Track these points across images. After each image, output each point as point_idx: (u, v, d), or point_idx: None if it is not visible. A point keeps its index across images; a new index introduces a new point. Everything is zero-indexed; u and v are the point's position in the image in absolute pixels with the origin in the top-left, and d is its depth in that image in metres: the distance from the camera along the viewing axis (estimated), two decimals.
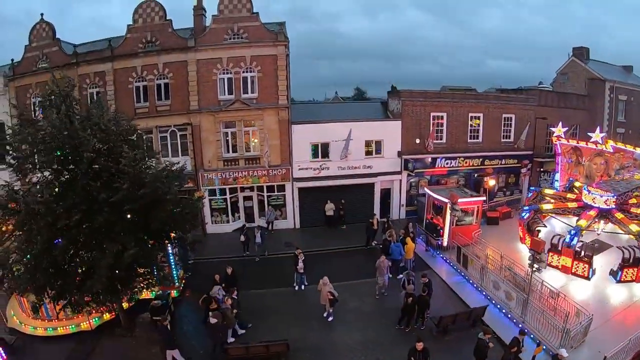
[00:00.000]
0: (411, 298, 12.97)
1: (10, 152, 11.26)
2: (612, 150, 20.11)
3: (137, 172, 11.03)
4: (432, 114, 22.14)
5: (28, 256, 10.33)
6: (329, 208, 21.44)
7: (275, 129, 20.76)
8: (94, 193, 10.54)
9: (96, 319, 13.34)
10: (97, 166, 10.81)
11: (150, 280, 12.37)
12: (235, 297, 13.10)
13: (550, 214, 18.41)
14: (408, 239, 17.00)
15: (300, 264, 15.69)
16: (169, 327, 11.41)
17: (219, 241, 20.35)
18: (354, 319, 13.76)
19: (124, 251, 10.40)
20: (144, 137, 14.63)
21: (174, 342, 11.23)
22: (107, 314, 13.24)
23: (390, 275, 16.28)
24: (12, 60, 22.87)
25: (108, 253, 10.21)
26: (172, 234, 13.01)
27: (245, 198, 22.06)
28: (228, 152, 21.17)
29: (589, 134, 21.07)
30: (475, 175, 23.64)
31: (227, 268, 14.69)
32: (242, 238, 18.43)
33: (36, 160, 11.16)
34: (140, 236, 11.78)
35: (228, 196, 21.57)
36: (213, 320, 11.56)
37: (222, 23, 20.31)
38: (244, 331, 12.84)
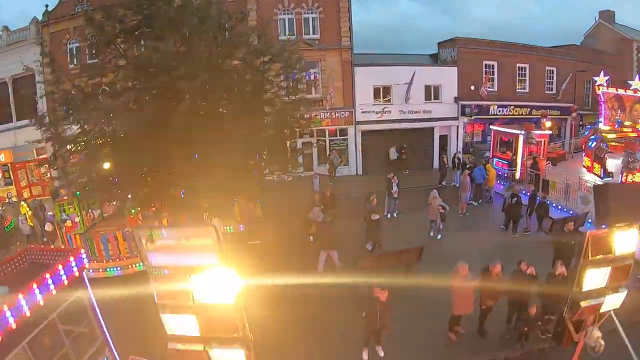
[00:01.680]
0: (516, 198, 13.08)
1: None
2: None
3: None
4: (484, 62, 22.54)
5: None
6: (393, 153, 21.09)
7: (337, 71, 20.39)
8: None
9: None
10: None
11: None
12: None
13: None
14: (489, 166, 17.08)
15: (395, 188, 15.22)
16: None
17: None
18: (457, 234, 13.44)
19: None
20: None
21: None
22: None
23: (475, 204, 16.28)
24: (47, 6, 21.35)
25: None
26: None
27: (304, 145, 21.29)
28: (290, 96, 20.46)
29: (628, 82, 22.08)
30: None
31: (325, 191, 14.04)
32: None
33: None
34: None
35: (288, 142, 20.71)
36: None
37: None
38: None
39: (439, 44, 23.78)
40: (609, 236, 4.34)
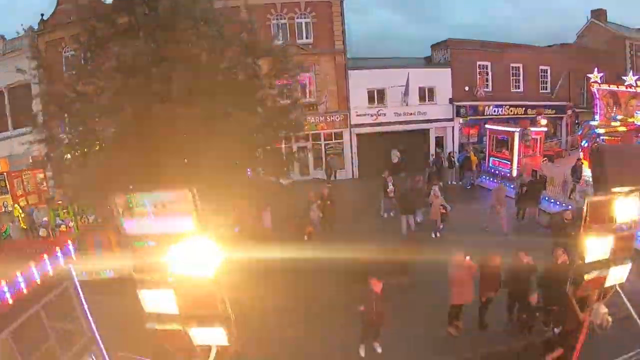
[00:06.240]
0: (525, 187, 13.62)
1: None
2: None
3: None
4: (477, 62, 22.67)
5: None
6: (395, 155, 20.96)
7: (331, 75, 20.46)
8: None
9: None
10: None
11: None
12: None
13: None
14: (471, 154, 18.25)
15: (390, 187, 15.09)
16: None
17: None
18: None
19: None
20: None
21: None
22: None
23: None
24: (42, 15, 21.50)
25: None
26: None
27: (299, 149, 21.27)
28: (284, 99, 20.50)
29: (622, 77, 22.15)
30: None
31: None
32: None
33: None
34: None
35: (283, 145, 20.70)
36: None
37: None
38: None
39: (432, 46, 23.94)
40: (609, 203, 4.17)
